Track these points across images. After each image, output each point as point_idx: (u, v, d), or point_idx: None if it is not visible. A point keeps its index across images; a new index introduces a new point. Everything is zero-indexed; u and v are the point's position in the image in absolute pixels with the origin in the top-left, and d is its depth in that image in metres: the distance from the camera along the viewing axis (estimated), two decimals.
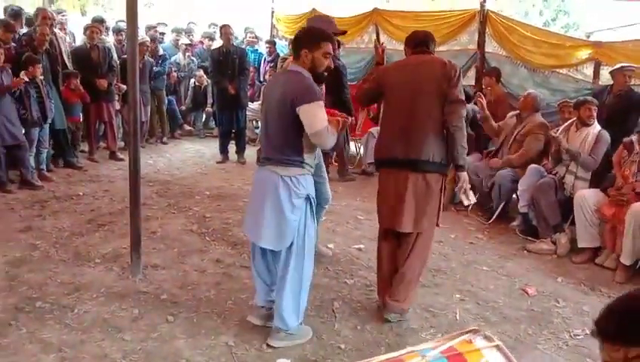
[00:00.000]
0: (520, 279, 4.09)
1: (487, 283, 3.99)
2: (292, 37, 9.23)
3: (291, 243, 2.91)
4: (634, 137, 4.39)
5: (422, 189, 3.20)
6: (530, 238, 4.89)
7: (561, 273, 4.26)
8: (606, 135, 4.70)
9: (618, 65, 5.10)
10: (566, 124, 4.98)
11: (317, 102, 2.77)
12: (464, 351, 1.82)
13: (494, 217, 5.33)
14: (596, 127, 4.74)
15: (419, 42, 3.35)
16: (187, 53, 8.82)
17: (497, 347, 1.84)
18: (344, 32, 4.19)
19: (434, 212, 3.29)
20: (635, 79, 5.21)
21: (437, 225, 3.38)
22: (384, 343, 3.12)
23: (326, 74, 3.00)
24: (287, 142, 2.86)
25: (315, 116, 2.76)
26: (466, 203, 3.45)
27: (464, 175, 3.29)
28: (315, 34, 3.01)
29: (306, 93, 2.77)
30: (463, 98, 3.18)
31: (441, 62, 3.20)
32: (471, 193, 3.39)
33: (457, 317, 3.46)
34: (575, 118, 4.88)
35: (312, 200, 2.96)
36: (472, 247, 4.74)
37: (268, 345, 3.00)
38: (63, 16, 7.96)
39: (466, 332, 1.93)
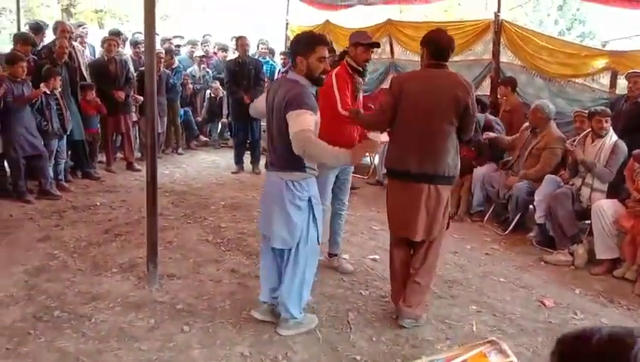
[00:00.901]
0: (537, 290, 4.05)
1: (503, 295, 3.95)
2: None
3: (297, 243, 3.08)
4: None
5: (434, 200, 3.28)
6: (547, 249, 4.85)
7: (579, 285, 4.21)
8: (622, 145, 4.65)
9: (632, 70, 5.10)
10: (582, 134, 4.93)
11: (305, 110, 2.81)
12: None
13: (511, 228, 5.28)
14: (612, 138, 4.69)
15: (440, 52, 3.28)
16: (202, 65, 8.91)
17: None
18: (377, 44, 4.22)
19: (444, 219, 3.40)
20: None
21: (447, 227, 3.48)
22: (400, 355, 3.10)
23: (324, 78, 3.07)
24: (287, 148, 2.90)
25: (297, 120, 2.80)
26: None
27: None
28: (308, 39, 3.05)
29: (296, 100, 2.84)
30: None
31: (458, 80, 3.23)
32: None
33: (474, 329, 3.43)
34: (590, 129, 4.83)
35: (314, 202, 3.10)
36: (488, 258, 4.70)
37: (277, 334, 3.20)
38: (84, 29, 8.11)
39: (485, 344, 1.92)
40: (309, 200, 3.08)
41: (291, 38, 10.21)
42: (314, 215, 3.12)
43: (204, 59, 8.97)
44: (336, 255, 4.24)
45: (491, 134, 5.61)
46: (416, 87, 3.27)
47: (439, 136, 3.20)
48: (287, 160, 2.98)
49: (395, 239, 3.52)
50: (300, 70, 3.00)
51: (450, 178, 3.31)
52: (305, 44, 3.01)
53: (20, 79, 5.37)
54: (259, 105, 3.37)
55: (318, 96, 3.30)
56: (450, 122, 3.20)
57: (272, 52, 9.70)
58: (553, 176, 5.04)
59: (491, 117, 5.98)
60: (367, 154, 2.90)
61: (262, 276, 3.38)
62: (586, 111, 5.01)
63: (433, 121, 3.19)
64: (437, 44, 3.28)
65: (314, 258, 3.23)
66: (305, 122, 2.80)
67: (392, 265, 3.56)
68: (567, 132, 5.48)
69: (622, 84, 5.49)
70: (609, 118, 4.68)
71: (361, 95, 4.10)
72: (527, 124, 5.44)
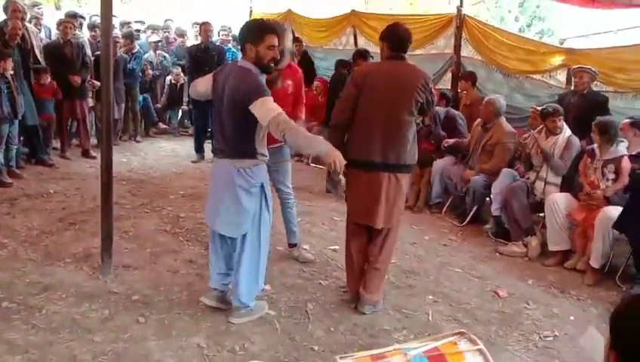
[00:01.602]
0: (492, 281, 4.15)
1: (459, 285, 4.03)
2: None
3: (249, 230, 3.08)
4: (595, 145, 4.49)
5: (394, 188, 3.39)
6: (502, 241, 4.96)
7: (532, 275, 4.33)
8: (576, 140, 4.80)
9: (577, 65, 5.31)
10: (537, 129, 5.05)
11: (267, 97, 2.83)
12: (446, 353, 1.84)
13: (468, 220, 5.39)
14: (566, 133, 4.84)
15: (400, 44, 3.38)
16: (157, 51, 8.68)
17: (480, 351, 1.87)
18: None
19: (402, 207, 3.53)
20: (604, 85, 5.36)
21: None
22: (357, 344, 3.12)
23: (272, 66, 3.05)
24: (240, 136, 2.96)
25: (266, 108, 2.80)
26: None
27: None
28: (257, 27, 3.03)
29: (256, 89, 2.84)
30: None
31: (417, 71, 3.35)
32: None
33: (430, 319, 3.49)
34: (543, 125, 4.96)
35: (266, 188, 3.12)
36: (445, 249, 4.78)
37: (230, 323, 3.20)
38: (39, 9, 7.78)
39: (454, 335, 1.95)
40: (261, 186, 3.09)
41: None
42: (266, 201, 3.14)
43: (159, 44, 8.74)
44: (295, 244, 4.24)
45: (450, 141, 5.69)
46: (378, 78, 3.34)
47: (400, 126, 3.29)
48: (239, 147, 2.99)
49: (352, 227, 3.57)
50: (249, 57, 2.99)
51: (409, 166, 3.44)
52: (254, 31, 3.00)
53: None
54: (200, 88, 3.30)
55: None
56: (410, 112, 3.31)
57: (235, 39, 9.54)
58: (509, 169, 5.16)
59: (455, 111, 6.06)
60: (332, 165, 2.78)
61: (211, 262, 3.34)
62: (539, 109, 5.12)
63: (395, 111, 3.28)
64: (397, 37, 3.38)
65: (266, 245, 3.23)
66: (273, 107, 2.81)
67: (348, 253, 3.62)
68: (522, 127, 5.61)
69: None
70: (562, 117, 4.81)
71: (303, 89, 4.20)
72: (479, 119, 5.53)
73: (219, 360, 2.88)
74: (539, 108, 5.20)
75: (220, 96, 3.03)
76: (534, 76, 6.10)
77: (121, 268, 3.81)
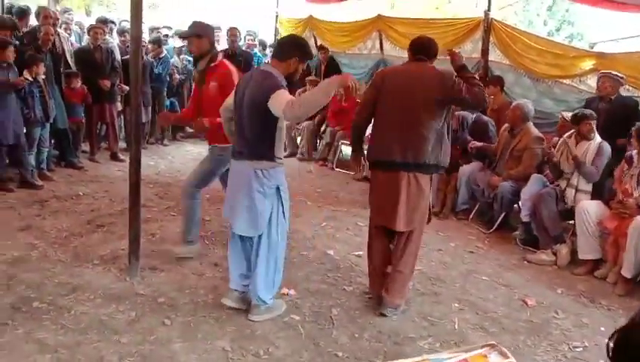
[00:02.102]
0: (519, 289, 4.08)
1: (486, 293, 3.97)
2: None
3: (265, 230, 3.18)
4: (634, 151, 4.37)
5: (414, 188, 3.40)
6: (530, 248, 4.88)
7: (561, 284, 4.24)
8: (607, 147, 4.68)
9: (602, 71, 5.24)
10: (564, 136, 4.94)
11: (282, 90, 2.95)
12: None
13: (495, 227, 5.31)
14: (597, 139, 4.72)
15: (419, 49, 3.48)
16: (182, 56, 8.75)
17: None
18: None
19: (425, 210, 3.50)
20: (636, 89, 5.24)
21: (428, 220, 3.62)
22: (382, 351, 3.10)
23: (294, 80, 3.24)
24: (260, 138, 3.09)
25: (279, 99, 2.89)
26: None
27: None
28: (309, 51, 3.28)
29: (273, 87, 2.95)
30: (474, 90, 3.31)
31: (438, 74, 3.37)
32: None
33: (456, 327, 3.44)
34: (574, 130, 4.85)
35: (282, 190, 3.22)
36: (472, 257, 4.72)
37: (250, 320, 3.27)
38: (69, 15, 7.96)
39: (484, 346, 1.91)
40: (277, 188, 3.18)
41: (283, 31, 10.20)
42: (282, 203, 3.23)
43: (183, 49, 8.83)
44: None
45: (477, 143, 5.61)
46: (395, 80, 3.45)
47: (417, 125, 3.32)
48: (258, 149, 3.11)
49: (375, 230, 3.62)
50: (285, 68, 3.12)
51: (430, 166, 3.41)
52: (307, 52, 3.22)
53: (5, 64, 5.26)
54: (227, 105, 3.37)
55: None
56: (429, 111, 3.31)
57: (262, 44, 9.61)
58: (539, 175, 5.07)
59: (486, 118, 5.94)
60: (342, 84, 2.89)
61: (231, 263, 3.42)
62: (569, 115, 5.03)
63: (412, 111, 3.32)
64: (418, 43, 3.50)
65: (283, 244, 3.32)
66: (286, 96, 2.91)
67: (370, 256, 3.68)
68: (551, 132, 5.51)
69: None
70: (595, 121, 4.70)
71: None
72: (506, 125, 5.46)
73: None
74: (568, 114, 5.11)
75: (240, 101, 3.14)
76: (564, 81, 5.99)
77: (147, 270, 3.85)
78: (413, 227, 3.46)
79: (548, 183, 4.98)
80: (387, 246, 3.61)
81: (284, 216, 3.26)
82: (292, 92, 3.22)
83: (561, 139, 4.98)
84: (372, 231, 3.65)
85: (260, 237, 3.20)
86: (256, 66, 8.92)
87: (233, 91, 3.31)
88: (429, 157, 3.36)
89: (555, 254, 4.65)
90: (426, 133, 3.32)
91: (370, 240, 3.67)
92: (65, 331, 3.03)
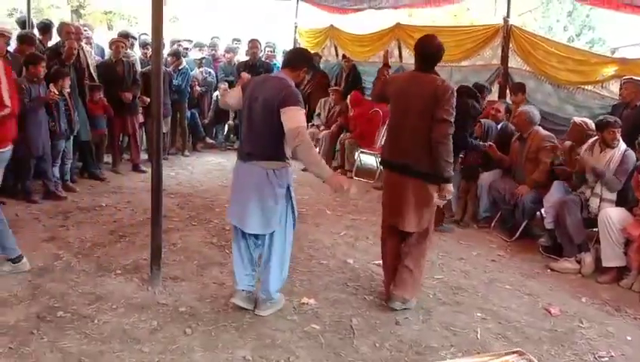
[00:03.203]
0: (543, 298, 4.02)
1: (509, 302, 3.92)
2: (312, 51, 9.33)
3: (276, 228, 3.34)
4: None
5: (419, 192, 3.52)
6: (553, 256, 4.80)
7: (586, 293, 4.17)
8: (632, 155, 4.58)
9: (625, 77, 5.18)
10: (590, 141, 4.86)
11: (299, 108, 3.12)
12: None
13: (517, 235, 5.24)
14: (621, 147, 4.62)
15: (426, 60, 3.54)
16: (201, 68, 8.84)
17: None
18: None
19: (431, 213, 3.62)
20: None
21: (439, 223, 3.80)
22: (403, 361, 3.07)
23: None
24: (271, 139, 3.21)
25: (295, 116, 3.09)
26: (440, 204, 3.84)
27: (449, 186, 3.51)
28: (315, 63, 3.52)
29: (293, 97, 3.13)
30: (450, 119, 3.38)
31: (434, 84, 3.43)
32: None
33: (478, 336, 3.40)
34: (597, 137, 4.76)
35: (291, 189, 3.37)
36: (494, 265, 4.66)
37: (257, 315, 3.44)
38: (85, 30, 8.11)
39: (511, 353, 1.89)
40: (287, 187, 3.33)
41: (302, 42, 10.28)
42: (291, 201, 3.38)
43: (203, 61, 8.93)
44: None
45: (490, 144, 5.57)
46: (397, 88, 3.63)
47: (416, 133, 3.44)
48: (270, 150, 3.23)
49: (386, 229, 3.76)
50: (295, 76, 3.33)
51: (430, 176, 3.47)
52: (314, 65, 3.55)
53: (36, 79, 5.38)
54: (230, 100, 3.60)
55: None
56: (422, 120, 3.41)
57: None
58: (561, 182, 4.99)
59: (512, 127, 5.88)
60: (337, 189, 3.17)
61: (236, 265, 3.53)
62: (581, 120, 4.99)
63: (409, 119, 3.47)
64: (424, 52, 3.55)
65: (290, 241, 3.49)
66: (301, 119, 3.12)
67: (383, 254, 3.83)
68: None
69: None
70: (620, 129, 4.60)
71: None
72: (514, 136, 5.51)
73: None
74: (581, 119, 5.05)
75: (251, 105, 3.28)
76: (586, 87, 5.91)
77: (169, 280, 3.89)
78: (420, 228, 3.57)
79: (569, 190, 4.90)
80: (398, 244, 3.71)
81: (292, 213, 3.42)
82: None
83: (585, 145, 4.87)
84: (384, 230, 3.80)
85: (271, 234, 3.34)
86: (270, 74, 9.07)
87: (237, 90, 3.55)
88: (424, 163, 3.45)
89: (579, 262, 4.57)
90: (424, 140, 3.42)
91: (383, 239, 3.83)
92: (88, 340, 3.07)
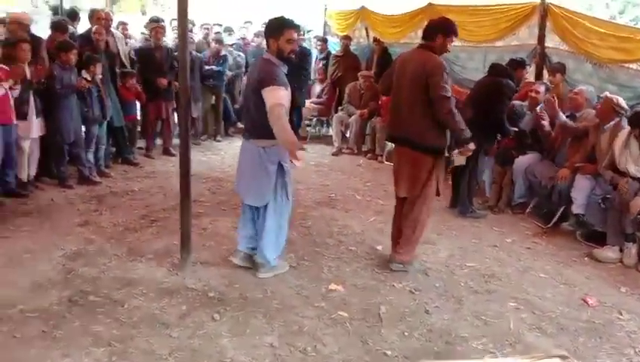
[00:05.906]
0: (580, 288, 3.88)
1: (544, 291, 3.80)
2: (343, 34, 9.13)
3: (270, 199, 3.59)
4: None
5: (411, 161, 3.81)
6: (591, 244, 4.62)
7: (626, 283, 4.01)
8: None
9: None
10: (622, 135, 4.56)
11: (277, 86, 3.31)
12: None
13: (554, 221, 5.06)
14: None
15: (424, 31, 3.84)
16: (229, 49, 8.73)
17: None
18: None
19: (424, 182, 3.81)
20: None
21: (437, 194, 3.95)
22: (432, 351, 3.02)
23: (293, 57, 3.49)
24: (261, 118, 3.36)
25: (271, 95, 3.29)
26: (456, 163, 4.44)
27: (470, 146, 3.77)
28: (277, 23, 3.50)
29: (268, 77, 3.34)
30: (446, 94, 3.56)
31: (423, 58, 3.66)
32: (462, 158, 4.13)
33: (511, 326, 3.31)
34: (631, 131, 4.49)
35: (284, 164, 3.56)
36: (528, 253, 4.52)
37: (257, 277, 3.73)
38: (124, 24, 8.18)
39: (554, 357, 1.80)
40: (279, 163, 3.54)
41: (332, 24, 10.13)
42: (283, 175, 3.60)
43: (234, 46, 8.89)
44: None
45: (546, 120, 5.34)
46: (398, 64, 3.89)
47: (409, 107, 3.72)
48: (261, 129, 3.42)
49: (396, 199, 4.08)
50: (272, 51, 3.49)
51: (427, 147, 3.73)
52: (275, 27, 3.48)
53: (68, 66, 5.46)
54: None
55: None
56: (419, 95, 3.64)
57: (323, 40, 9.60)
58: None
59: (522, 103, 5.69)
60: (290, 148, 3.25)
61: (240, 227, 3.89)
62: (612, 97, 4.76)
63: (406, 93, 3.74)
64: (426, 26, 3.85)
65: (286, 209, 3.73)
66: (278, 96, 3.30)
67: (392, 221, 4.13)
68: None
69: None
70: None
71: None
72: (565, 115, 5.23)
73: (290, 360, 2.88)
74: (612, 96, 4.78)
75: (248, 85, 3.61)
76: (630, 66, 5.61)
77: (198, 265, 3.91)
78: (412, 195, 3.85)
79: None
80: (401, 211, 4.00)
81: (285, 186, 3.64)
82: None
83: (620, 134, 4.61)
84: (396, 196, 4.08)
85: (265, 206, 3.60)
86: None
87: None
88: (420, 136, 3.70)
89: (621, 251, 4.37)
90: (419, 114, 3.67)
91: (394, 208, 4.13)
92: (118, 324, 3.11)
